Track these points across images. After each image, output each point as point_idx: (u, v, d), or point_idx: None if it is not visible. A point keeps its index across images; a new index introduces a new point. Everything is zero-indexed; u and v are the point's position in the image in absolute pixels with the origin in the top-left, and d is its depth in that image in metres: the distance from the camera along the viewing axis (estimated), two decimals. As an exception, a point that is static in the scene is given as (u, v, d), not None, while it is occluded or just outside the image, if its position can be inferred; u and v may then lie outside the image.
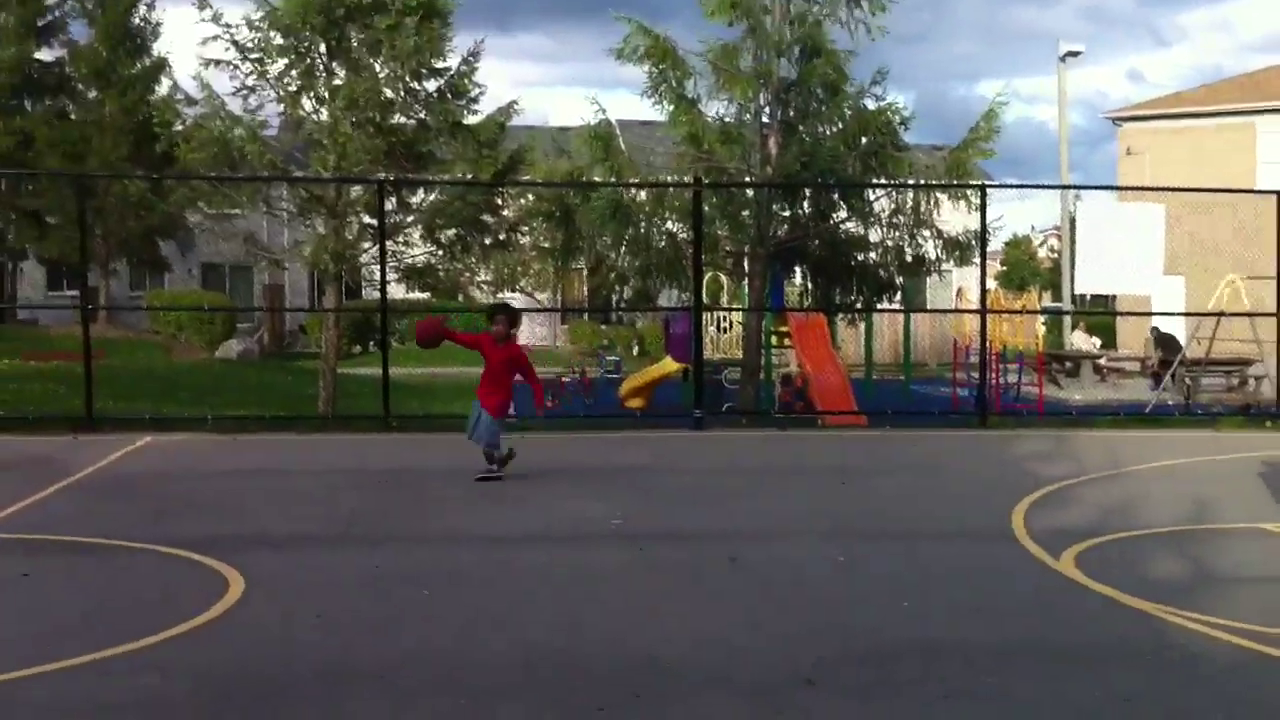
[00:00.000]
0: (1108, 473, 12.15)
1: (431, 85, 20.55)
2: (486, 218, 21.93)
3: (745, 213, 19.83)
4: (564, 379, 21.86)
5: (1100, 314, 30.25)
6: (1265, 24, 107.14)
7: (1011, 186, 47.10)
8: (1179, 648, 6.20)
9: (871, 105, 19.72)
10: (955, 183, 19.15)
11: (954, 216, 19.99)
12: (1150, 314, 26.33)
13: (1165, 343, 25.54)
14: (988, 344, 18.35)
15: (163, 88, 30.92)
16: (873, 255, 20.31)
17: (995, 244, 44.68)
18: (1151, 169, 37.55)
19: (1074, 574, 7.74)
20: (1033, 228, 64.60)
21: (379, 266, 16.76)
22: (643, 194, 20.11)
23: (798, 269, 21.47)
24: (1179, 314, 26.49)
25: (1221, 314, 20.53)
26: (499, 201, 22.54)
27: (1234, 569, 8.00)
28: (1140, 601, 6.99)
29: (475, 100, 20.95)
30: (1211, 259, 28.70)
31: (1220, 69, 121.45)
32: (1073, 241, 21.94)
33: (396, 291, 26.27)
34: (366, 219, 20.61)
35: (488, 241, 22.22)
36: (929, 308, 30.98)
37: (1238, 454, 13.64)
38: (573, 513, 9.83)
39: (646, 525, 9.34)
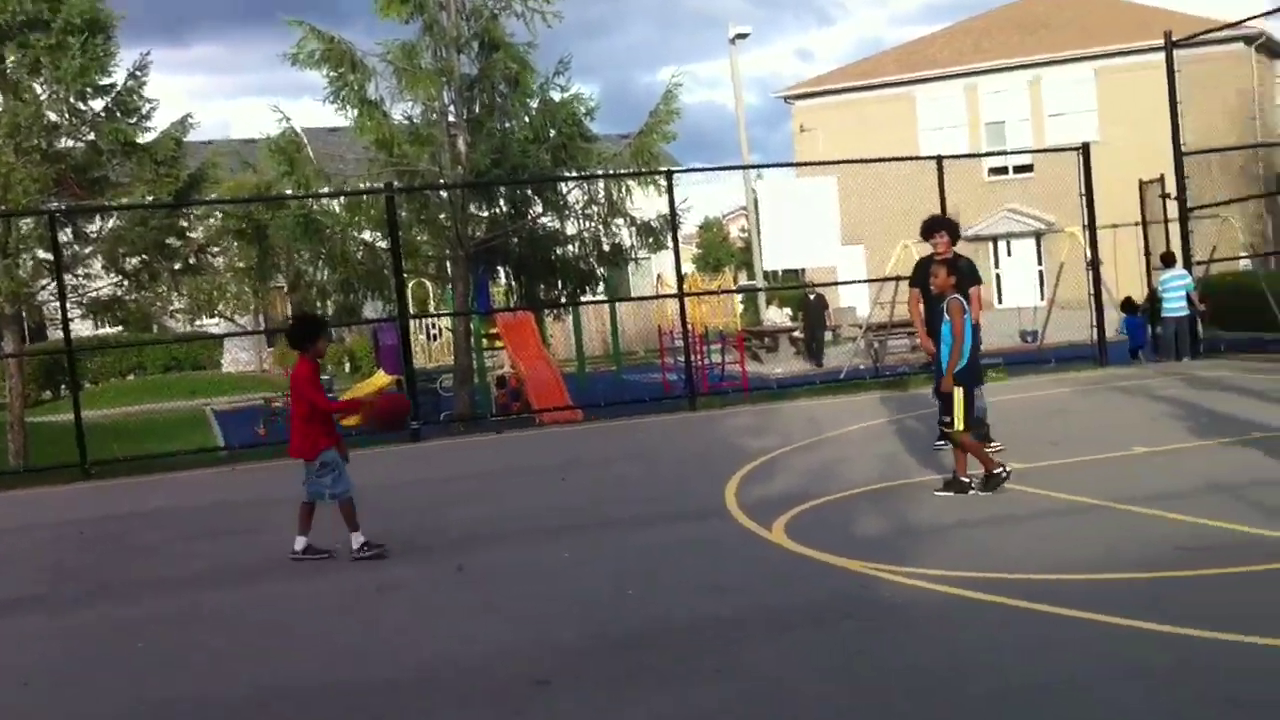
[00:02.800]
0: (809, 440, 12.82)
1: (98, 104, 19.48)
2: (172, 241, 20.97)
3: (442, 216, 19.74)
4: (273, 404, 21.23)
5: (790, 288, 31.61)
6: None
7: (693, 170, 48.55)
8: (892, 601, 6.61)
9: (557, 97, 19.96)
10: (642, 170, 19.61)
11: (646, 203, 20.50)
12: (837, 284, 27.73)
13: (809, 309, 26.88)
14: (689, 327, 18.95)
15: None
16: (572, 248, 20.58)
17: (689, 227, 46.03)
18: (824, 143, 39.46)
19: (785, 542, 8.13)
20: (722, 212, 66.82)
21: (60, 303, 15.88)
22: (336, 204, 19.72)
23: (501, 268, 21.53)
24: (861, 281, 28.01)
25: (898, 278, 21.80)
26: (184, 223, 21.59)
27: (931, 520, 8.57)
28: (849, 561, 7.42)
29: (147, 116, 20.00)
30: (888, 225, 30.44)
31: (880, 42, 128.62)
32: (759, 220, 22.84)
33: (84, 328, 24.89)
34: (41, 254, 19.41)
35: (177, 266, 21.25)
36: (631, 296, 31.63)
37: (926, 409, 14.57)
38: (290, 541, 9.62)
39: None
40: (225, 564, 9.02)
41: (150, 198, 19.78)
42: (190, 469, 15.03)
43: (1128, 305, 21.96)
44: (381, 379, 19.80)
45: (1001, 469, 9.26)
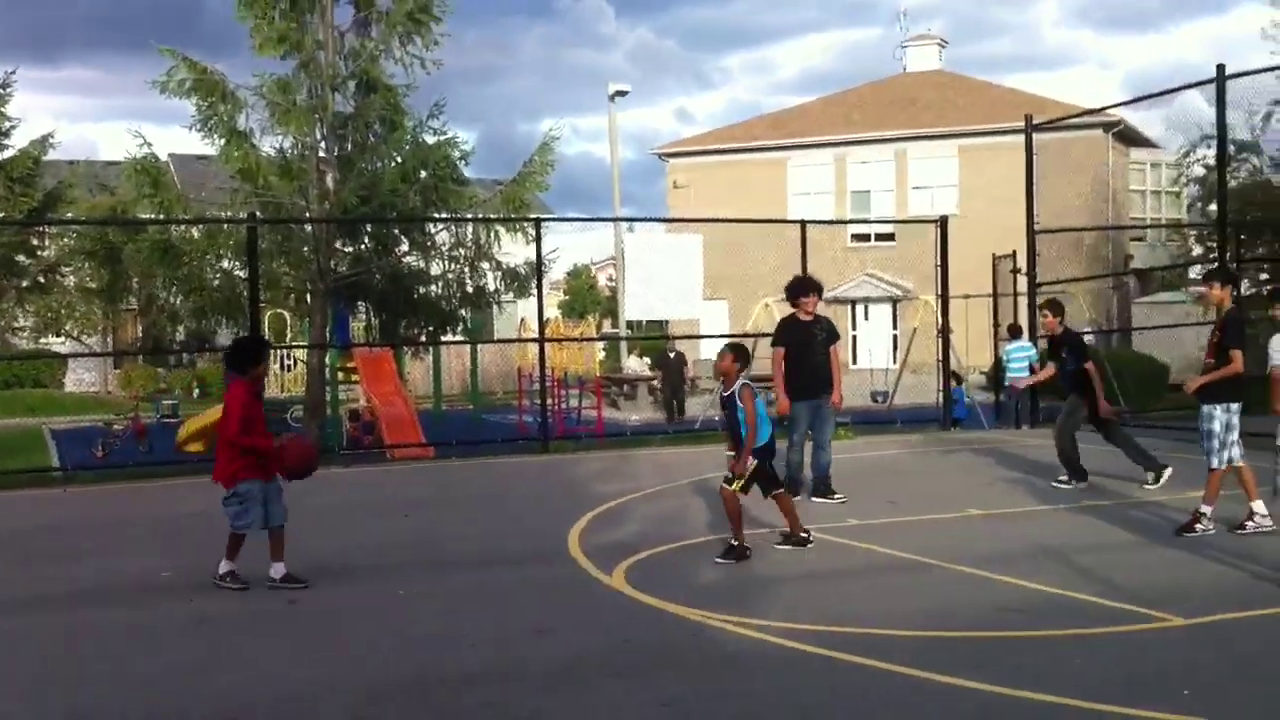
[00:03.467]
0: (659, 488, 12.90)
1: (-44, 121, 18.92)
2: (22, 258, 20.40)
3: (305, 249, 19.53)
4: (113, 426, 20.63)
5: (651, 338, 31.87)
6: (796, 67, 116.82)
7: (564, 220, 48.92)
8: (718, 650, 6.67)
9: (431, 139, 19.96)
10: (512, 216, 19.68)
11: (515, 248, 20.54)
12: (699, 336, 28.00)
13: (668, 367, 27.17)
14: (548, 371, 18.97)
15: None
16: (435, 288, 20.51)
17: (557, 273, 46.13)
18: (696, 200, 40.01)
19: (624, 588, 8.16)
20: (591, 259, 67.13)
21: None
22: (196, 230, 19.38)
23: (362, 304, 21.34)
24: (721, 335, 28.32)
25: (758, 335, 22.13)
26: (35, 241, 21.02)
27: (770, 571, 8.68)
28: (685, 609, 7.47)
29: (6, 134, 19.50)
30: (752, 282, 30.92)
31: (757, 107, 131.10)
32: (626, 271, 23.03)
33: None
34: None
35: (25, 284, 20.66)
36: (493, 338, 31.57)
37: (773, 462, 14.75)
38: (119, 567, 9.35)
39: (201, 576, 9.01)
40: (35, 590, 8.69)
41: (2, 214, 19.24)
42: (21, 489, 14.52)
43: (955, 378, 22.55)
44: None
45: (806, 534, 9.42)
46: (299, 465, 8.51)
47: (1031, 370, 19.61)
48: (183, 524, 11.49)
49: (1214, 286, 9.84)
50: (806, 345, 11.61)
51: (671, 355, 27.12)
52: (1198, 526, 9.47)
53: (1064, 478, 12.58)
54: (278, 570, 8.42)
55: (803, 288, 11.89)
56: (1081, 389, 12.66)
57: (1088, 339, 26.05)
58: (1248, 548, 8.93)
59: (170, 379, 36.58)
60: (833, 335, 11.90)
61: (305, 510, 9.10)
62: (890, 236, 38.90)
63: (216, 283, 19.19)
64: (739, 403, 9.05)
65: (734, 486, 9.05)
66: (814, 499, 11.53)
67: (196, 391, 34.84)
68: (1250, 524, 9.46)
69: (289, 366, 22.17)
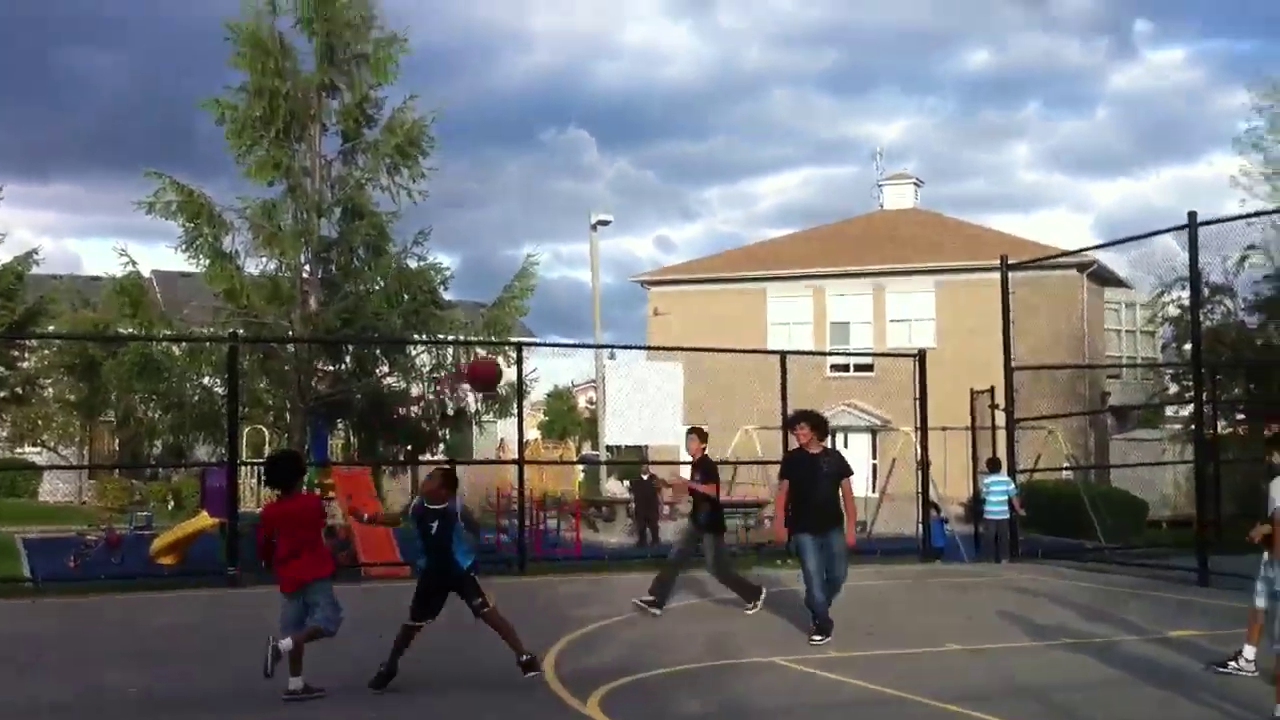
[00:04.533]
0: (634, 613, 12.78)
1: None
2: (1, 370, 20.41)
3: (286, 368, 19.59)
4: (86, 537, 20.40)
5: (629, 463, 31.88)
6: (774, 200, 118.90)
7: (544, 345, 48.78)
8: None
9: (414, 264, 20.18)
10: (492, 339, 19.83)
11: (497, 370, 20.61)
12: (677, 463, 27.96)
13: (640, 490, 27.08)
14: (527, 492, 18.91)
15: None
16: (415, 409, 20.54)
17: (537, 395, 46.14)
18: (677, 328, 40.28)
19: (599, 717, 8.06)
20: (572, 382, 67.25)
21: None
22: (177, 347, 19.45)
23: (341, 422, 21.33)
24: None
25: (738, 461, 22.22)
26: (15, 354, 21.06)
27: (747, 703, 8.59)
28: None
29: (-12, 250, 19.67)
30: (732, 411, 31.03)
31: (738, 238, 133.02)
32: (606, 396, 23.12)
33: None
34: None
35: (3, 395, 20.64)
36: (472, 458, 31.55)
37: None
38: (88, 681, 9.19)
39: (171, 691, 8.88)
40: (28, 703, 8.53)
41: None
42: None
43: (934, 508, 22.58)
44: (204, 520, 19.38)
45: (529, 656, 9.10)
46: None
47: (1010, 504, 19.72)
48: (153, 638, 11.33)
49: None
50: (810, 478, 11.44)
51: (645, 478, 27.06)
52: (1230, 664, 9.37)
53: None
54: (297, 683, 8.53)
55: (793, 419, 12.13)
56: None
57: (1065, 474, 26.34)
58: (1229, 689, 8.88)
59: (146, 491, 36.27)
60: (842, 469, 11.54)
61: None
62: (869, 368, 39.17)
63: (196, 399, 19.19)
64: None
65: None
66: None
67: (171, 504, 34.54)
68: (1233, 664, 9.38)
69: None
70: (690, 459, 13.57)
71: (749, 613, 12.88)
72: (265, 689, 8.46)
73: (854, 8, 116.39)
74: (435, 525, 8.88)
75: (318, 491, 19.98)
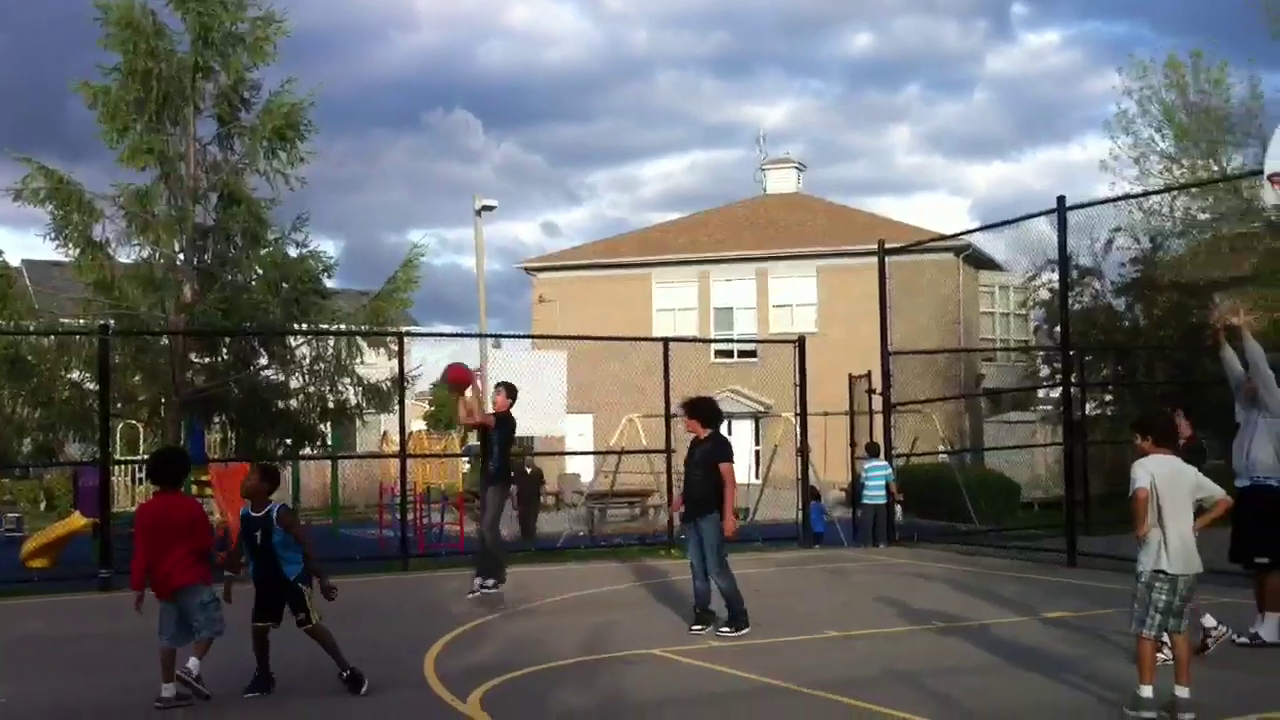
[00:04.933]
0: (519, 608, 12.79)
1: None
2: None
3: (160, 361, 19.14)
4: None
5: (515, 454, 31.77)
6: (660, 185, 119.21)
7: (428, 334, 48.36)
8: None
9: (294, 252, 19.84)
10: (374, 330, 19.60)
11: (379, 361, 20.40)
12: (564, 453, 28.06)
13: (523, 482, 27.05)
14: (410, 486, 18.76)
15: None
16: (295, 402, 20.22)
17: (422, 385, 45.72)
18: (562, 315, 40.26)
19: (480, 715, 8.06)
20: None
21: None
22: (46, 341, 18.90)
23: (218, 417, 20.90)
24: (587, 452, 28.44)
25: (622, 451, 22.29)
26: None
27: (624, 697, 8.65)
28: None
29: None
30: (617, 397, 31.14)
31: (623, 224, 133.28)
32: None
33: None
34: None
35: None
36: (355, 452, 31.17)
37: (637, 581, 14.80)
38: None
39: (38, 702, 8.66)
40: None
41: None
42: None
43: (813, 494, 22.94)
44: (77, 521, 18.89)
45: (349, 670, 8.81)
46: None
47: (888, 489, 20.09)
48: (21, 647, 11.02)
49: None
50: (688, 466, 11.54)
51: (529, 471, 27.00)
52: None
53: None
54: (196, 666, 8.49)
55: (681, 408, 12.14)
56: None
57: (942, 458, 26.94)
58: (1100, 671, 9.17)
59: (15, 491, 35.22)
60: (711, 456, 11.29)
61: (147, 631, 8.76)
62: (752, 354, 39.58)
63: (66, 395, 18.67)
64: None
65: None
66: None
67: (43, 504, 33.61)
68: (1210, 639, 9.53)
69: (140, 479, 21.61)
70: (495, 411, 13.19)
71: (470, 595, 12.82)
72: (142, 699, 8.29)
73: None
74: (259, 535, 8.69)
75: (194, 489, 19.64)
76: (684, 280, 42.55)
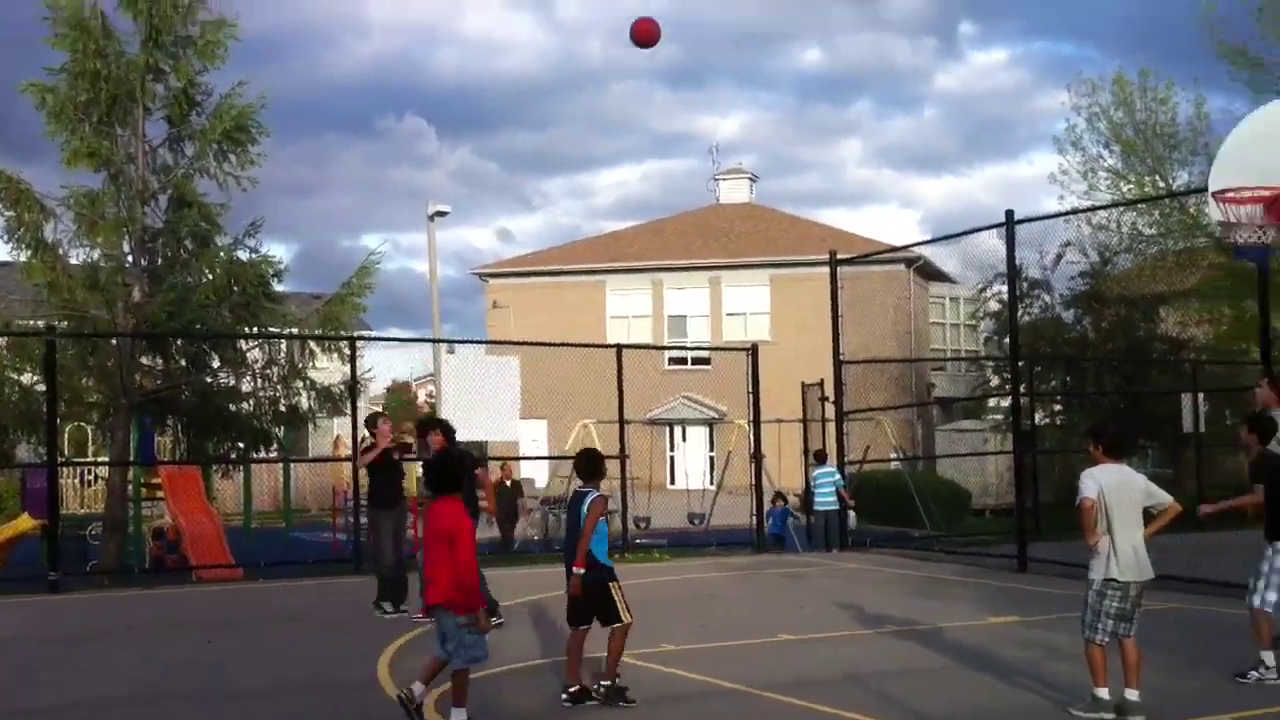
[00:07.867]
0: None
1: None
2: None
3: (110, 363, 18.94)
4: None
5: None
6: (614, 193, 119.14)
7: (381, 339, 48.12)
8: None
9: (245, 256, 19.68)
10: (326, 334, 19.50)
11: (332, 365, 20.27)
12: (519, 458, 27.98)
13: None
14: (361, 491, 18.65)
15: None
16: (246, 406, 20.06)
17: (377, 388, 45.51)
18: (516, 321, 40.27)
19: (434, 717, 8.05)
20: (411, 372, 66.53)
21: None
22: (-4, 342, 18.67)
23: (169, 420, 20.71)
24: (540, 457, 28.44)
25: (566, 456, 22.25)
26: None
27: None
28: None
29: None
30: (571, 403, 31.18)
31: (577, 230, 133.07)
32: (444, 392, 22.97)
33: None
34: None
35: None
36: (308, 456, 30.99)
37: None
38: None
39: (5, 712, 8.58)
40: None
41: None
42: None
43: (776, 498, 23.09)
44: (25, 523, 18.69)
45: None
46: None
47: (838, 495, 20.23)
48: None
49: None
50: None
51: (508, 484, 26.93)
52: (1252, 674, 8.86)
53: None
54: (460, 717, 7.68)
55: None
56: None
57: (894, 465, 27.14)
58: (1049, 673, 9.29)
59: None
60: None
61: (97, 634, 8.73)
62: (706, 361, 39.72)
63: (14, 397, 18.45)
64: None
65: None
66: None
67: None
68: (1254, 674, 8.87)
69: (90, 482, 21.42)
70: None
71: (382, 615, 12.50)
72: (90, 703, 8.22)
73: (691, 2, 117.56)
74: None
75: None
76: (638, 288, 42.68)
